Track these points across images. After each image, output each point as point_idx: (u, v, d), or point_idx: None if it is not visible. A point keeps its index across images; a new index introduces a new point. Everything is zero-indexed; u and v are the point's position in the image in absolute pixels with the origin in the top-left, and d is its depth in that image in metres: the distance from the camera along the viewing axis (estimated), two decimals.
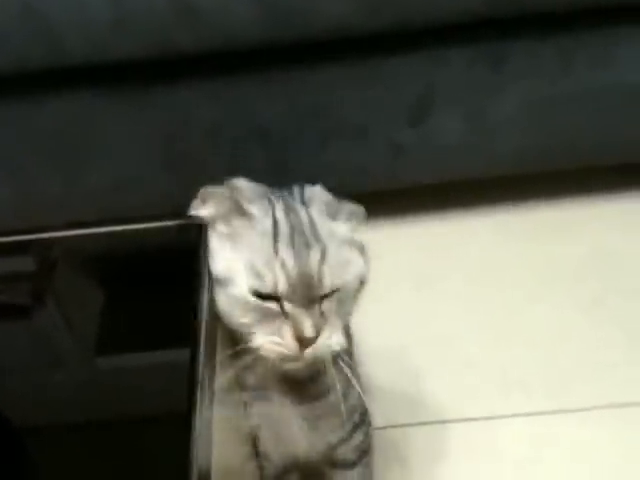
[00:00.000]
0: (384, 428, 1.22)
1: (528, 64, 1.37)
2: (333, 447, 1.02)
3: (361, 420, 1.02)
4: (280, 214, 0.86)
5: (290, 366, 0.85)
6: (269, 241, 0.84)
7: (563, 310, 1.43)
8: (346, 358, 0.95)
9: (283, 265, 0.82)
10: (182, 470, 0.68)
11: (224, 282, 0.84)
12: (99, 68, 1.25)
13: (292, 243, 0.84)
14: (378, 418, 1.11)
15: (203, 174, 1.37)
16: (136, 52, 1.22)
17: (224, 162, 1.42)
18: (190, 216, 0.88)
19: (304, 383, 0.93)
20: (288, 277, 0.82)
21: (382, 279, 1.45)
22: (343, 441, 1.01)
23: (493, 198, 1.62)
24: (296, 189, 0.91)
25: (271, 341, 0.82)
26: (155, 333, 0.82)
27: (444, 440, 1.26)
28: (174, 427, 0.73)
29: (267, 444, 1.03)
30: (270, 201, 0.87)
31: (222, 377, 0.85)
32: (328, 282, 0.84)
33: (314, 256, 0.84)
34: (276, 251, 0.83)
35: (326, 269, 0.84)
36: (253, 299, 0.82)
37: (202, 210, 0.89)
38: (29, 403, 0.77)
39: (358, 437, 1.03)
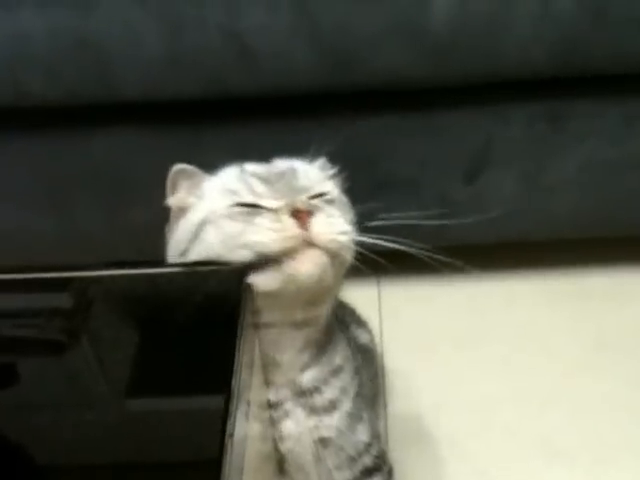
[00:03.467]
0: None
1: (590, 125, 1.35)
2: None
3: (375, 466, 0.99)
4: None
5: (306, 262, 0.81)
6: (237, 170, 0.90)
7: (610, 381, 1.40)
8: (354, 381, 0.97)
9: (254, 174, 0.87)
10: None
11: (204, 220, 0.86)
12: (149, 105, 1.25)
13: (262, 167, 0.90)
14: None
15: None
16: (189, 91, 1.23)
17: None
18: (229, 264, 0.86)
19: (310, 391, 0.92)
20: (261, 179, 0.85)
21: (424, 338, 1.47)
22: None
23: (543, 261, 1.61)
24: None
25: (270, 229, 0.80)
26: (188, 378, 0.80)
27: None
28: (202, 476, 0.70)
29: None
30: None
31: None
32: (304, 180, 0.87)
33: (283, 166, 0.90)
34: (244, 171, 0.88)
35: (299, 174, 0.88)
36: (237, 208, 0.84)
37: (176, 193, 0.94)
38: (57, 441, 0.75)
39: None
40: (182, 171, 0.94)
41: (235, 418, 0.74)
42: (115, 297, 0.91)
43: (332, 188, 0.92)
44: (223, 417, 0.73)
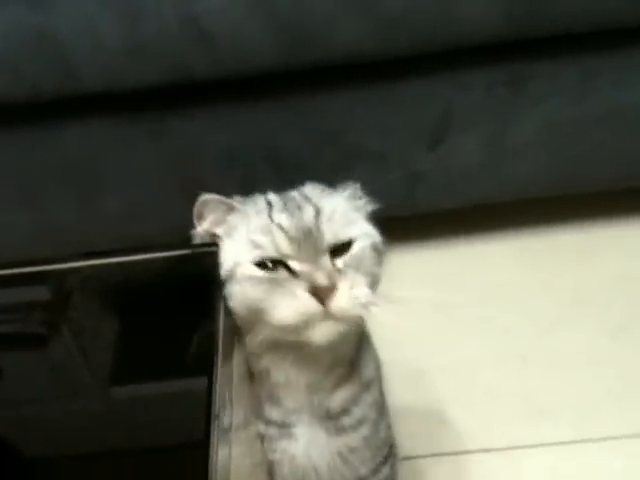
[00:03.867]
0: (406, 459, 1.20)
1: (549, 86, 1.36)
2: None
3: (389, 452, 1.00)
4: (272, 196, 0.91)
5: (320, 332, 0.80)
6: (264, 214, 0.87)
7: (587, 336, 1.42)
8: (380, 386, 0.96)
9: (280, 227, 0.83)
10: None
11: (232, 272, 0.84)
12: (114, 96, 1.26)
13: (285, 209, 0.86)
14: (399, 449, 1.10)
15: None
16: (150, 79, 1.22)
17: (238, 188, 1.40)
18: (204, 244, 0.88)
19: (338, 414, 0.91)
20: (287, 236, 0.82)
21: (400, 305, 1.48)
22: (372, 474, 0.98)
23: (514, 223, 1.62)
24: None
25: (288, 306, 0.79)
26: (171, 362, 0.81)
27: (466, 471, 1.24)
28: (190, 458, 0.72)
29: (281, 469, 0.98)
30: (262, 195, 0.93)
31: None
32: (329, 233, 0.84)
33: (308, 212, 0.85)
34: (271, 218, 0.85)
35: (324, 222, 0.84)
36: (261, 272, 0.82)
37: (202, 223, 0.92)
38: (43, 433, 0.77)
39: (386, 470, 1.00)
40: (206, 202, 0.93)
41: (219, 399, 0.75)
42: (93, 286, 0.91)
43: (360, 230, 0.89)
44: (207, 399, 0.74)
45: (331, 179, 1.39)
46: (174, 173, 1.40)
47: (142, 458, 0.74)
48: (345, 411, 0.92)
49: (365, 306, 0.81)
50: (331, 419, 0.91)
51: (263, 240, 0.83)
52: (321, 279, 0.79)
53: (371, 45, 1.23)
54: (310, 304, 0.79)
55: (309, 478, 0.96)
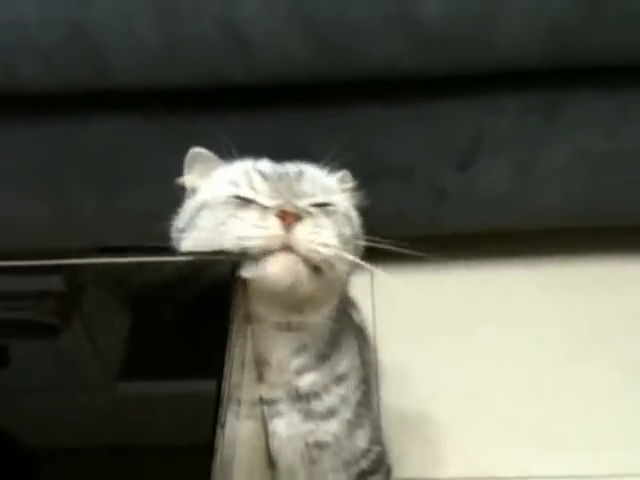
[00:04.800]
0: None
1: (583, 116, 1.36)
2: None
3: (372, 469, 0.99)
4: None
5: (280, 263, 0.80)
6: (247, 163, 0.91)
7: (604, 370, 1.42)
8: (360, 389, 0.97)
9: (259, 172, 0.87)
10: None
11: (203, 202, 0.88)
12: (143, 93, 1.26)
13: (270, 165, 0.91)
14: (404, 470, 1.10)
15: None
16: (182, 80, 1.23)
17: None
18: (222, 252, 0.86)
19: (308, 396, 0.92)
20: (265, 180, 0.86)
21: (417, 327, 1.48)
22: None
23: (537, 250, 1.62)
24: None
25: (252, 225, 0.80)
26: (180, 363, 0.81)
27: None
28: (195, 458, 0.71)
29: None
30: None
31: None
32: (307, 189, 0.86)
33: (291, 170, 0.90)
34: (254, 168, 0.89)
35: (304, 180, 0.87)
36: (231, 196, 0.85)
37: (190, 174, 0.97)
38: (47, 423, 0.76)
39: None
40: (198, 154, 0.97)
41: (226, 406, 0.75)
42: (107, 281, 0.91)
43: (341, 201, 0.90)
44: (215, 404, 0.74)
45: (360, 192, 1.42)
46: None
47: (145, 456, 0.74)
48: (315, 395, 0.92)
49: (326, 246, 0.81)
50: (301, 400, 0.92)
51: (240, 179, 0.86)
52: (289, 207, 0.81)
53: (408, 63, 1.23)
54: (273, 225, 0.79)
55: (290, 461, 0.96)
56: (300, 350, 0.91)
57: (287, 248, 0.80)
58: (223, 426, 0.73)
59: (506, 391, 1.39)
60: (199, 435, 0.72)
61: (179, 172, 1.38)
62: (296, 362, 0.91)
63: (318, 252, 0.80)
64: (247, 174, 0.87)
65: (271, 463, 0.99)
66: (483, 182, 1.43)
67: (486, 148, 1.38)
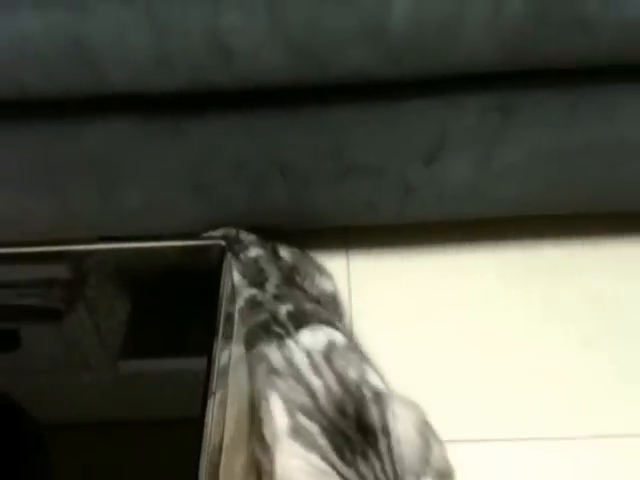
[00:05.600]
0: None
1: (536, 114, 1.40)
2: None
3: None
4: None
5: None
6: None
7: (556, 348, 1.48)
8: None
9: None
10: (192, 471, 0.73)
11: None
12: (138, 98, 1.30)
13: None
14: None
15: (227, 202, 1.50)
16: (172, 86, 1.27)
17: (247, 192, 1.48)
18: (211, 237, 0.94)
19: None
20: None
21: (385, 310, 1.54)
22: None
23: (495, 237, 1.67)
24: (378, 428, 0.94)
25: None
26: (174, 342, 0.86)
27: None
28: (186, 431, 0.76)
29: None
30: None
31: None
32: None
33: None
34: None
35: None
36: None
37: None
38: (56, 402, 0.81)
39: None
40: None
41: (217, 375, 0.81)
42: (108, 269, 0.97)
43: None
44: (206, 378, 0.80)
45: (332, 188, 1.49)
46: (189, 174, 1.45)
47: (143, 429, 0.79)
48: None
49: None
50: None
51: None
52: None
53: (378, 69, 1.27)
54: None
55: None
56: None
57: None
58: (214, 394, 0.79)
59: (472, 370, 1.45)
60: (191, 407, 0.78)
61: (172, 172, 1.45)
62: None
63: None
64: None
65: None
66: (446, 176, 1.48)
67: (449, 145, 1.43)
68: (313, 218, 1.56)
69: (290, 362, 1.07)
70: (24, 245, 0.97)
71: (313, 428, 0.98)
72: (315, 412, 0.99)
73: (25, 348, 0.86)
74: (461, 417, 1.36)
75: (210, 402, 0.78)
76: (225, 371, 0.87)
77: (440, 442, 0.97)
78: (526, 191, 1.53)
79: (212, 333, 0.85)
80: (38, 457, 0.77)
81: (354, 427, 0.97)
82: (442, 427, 1.27)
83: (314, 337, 1.09)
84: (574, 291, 1.59)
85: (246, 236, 1.37)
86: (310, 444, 0.97)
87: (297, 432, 0.98)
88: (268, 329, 1.13)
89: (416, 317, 1.54)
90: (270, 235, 1.49)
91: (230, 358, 0.90)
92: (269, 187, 1.47)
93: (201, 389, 0.79)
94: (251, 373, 1.06)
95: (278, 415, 0.99)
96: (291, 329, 1.13)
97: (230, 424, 0.87)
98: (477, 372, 1.45)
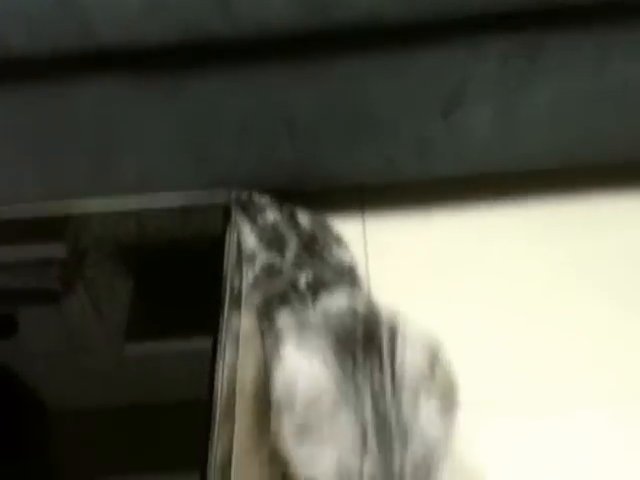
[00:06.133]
0: None
1: (565, 57, 1.36)
2: None
3: None
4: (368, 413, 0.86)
5: None
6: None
7: (586, 308, 1.44)
8: None
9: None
10: (202, 451, 0.71)
11: None
12: (131, 54, 1.26)
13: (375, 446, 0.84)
14: None
15: (232, 165, 1.45)
16: (167, 37, 1.23)
17: (253, 154, 1.44)
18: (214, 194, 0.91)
19: None
20: None
21: (408, 268, 1.50)
22: None
23: (522, 192, 1.63)
24: (385, 348, 0.90)
25: None
26: (179, 321, 0.84)
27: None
28: (195, 412, 0.75)
29: None
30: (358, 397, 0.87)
31: None
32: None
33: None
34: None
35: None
36: None
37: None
38: (57, 385, 0.79)
39: None
40: None
41: (224, 358, 0.78)
42: (108, 244, 0.95)
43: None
44: (212, 357, 0.78)
45: (345, 146, 1.43)
46: (190, 137, 1.41)
47: (150, 411, 0.77)
48: None
49: None
50: None
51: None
52: None
53: (387, 10, 1.23)
54: None
55: None
56: None
57: None
58: (223, 372, 0.76)
59: (494, 330, 1.41)
60: (200, 388, 0.76)
61: (171, 135, 1.41)
62: None
63: None
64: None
65: None
66: (467, 128, 1.43)
67: (469, 94, 1.38)
68: (325, 179, 1.52)
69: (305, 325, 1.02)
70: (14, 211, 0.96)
71: (319, 341, 0.94)
72: (323, 329, 0.94)
73: (23, 332, 0.85)
74: (487, 381, 1.32)
75: (219, 381, 0.77)
76: (234, 346, 0.84)
77: (448, 368, 0.94)
78: (553, 140, 1.48)
79: (217, 307, 0.83)
80: (42, 442, 0.76)
81: (361, 345, 0.93)
82: (466, 390, 1.27)
83: (334, 303, 1.03)
84: (604, 247, 1.54)
85: (260, 199, 1.31)
86: (314, 351, 0.92)
87: (301, 346, 0.93)
88: (286, 299, 1.08)
89: (437, 282, 1.50)
90: (279, 199, 1.41)
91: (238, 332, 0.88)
92: (276, 147, 1.43)
93: (208, 368, 0.77)
94: (264, 346, 1.01)
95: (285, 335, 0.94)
96: (310, 300, 1.08)
97: (243, 404, 0.84)
98: (504, 335, 1.41)
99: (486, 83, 1.38)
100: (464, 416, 1.24)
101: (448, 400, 0.90)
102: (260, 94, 1.35)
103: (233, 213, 0.93)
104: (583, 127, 1.47)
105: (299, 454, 0.86)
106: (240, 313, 0.89)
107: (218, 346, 0.79)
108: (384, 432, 0.85)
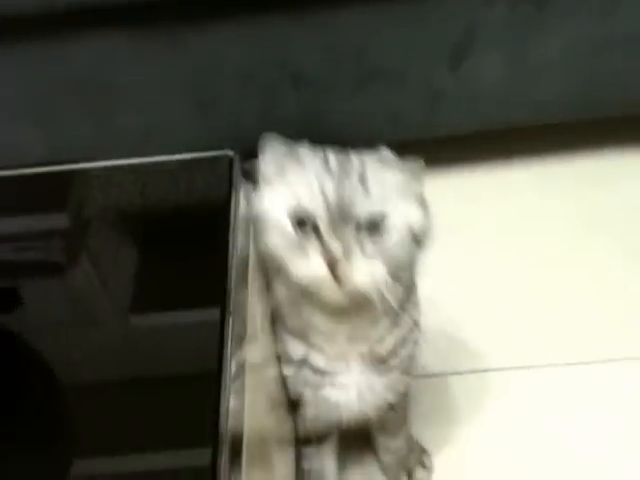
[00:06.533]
0: (423, 377, 1.24)
1: (574, 3, 1.33)
2: (389, 407, 1.03)
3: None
4: (331, 157, 0.87)
5: (332, 297, 0.83)
6: (315, 171, 0.85)
7: (600, 262, 1.44)
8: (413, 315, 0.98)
9: (322, 190, 0.82)
10: (212, 423, 0.69)
11: (266, 215, 0.85)
12: (129, 7, 1.24)
13: (336, 175, 0.84)
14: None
15: (235, 120, 1.41)
16: None
17: (256, 107, 1.42)
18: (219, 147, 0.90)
19: (388, 357, 0.95)
20: (325, 199, 0.82)
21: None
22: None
23: (533, 148, 1.62)
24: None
25: (303, 266, 0.82)
26: (185, 291, 0.82)
27: (480, 389, 1.28)
28: (205, 384, 0.73)
29: (311, 410, 1.02)
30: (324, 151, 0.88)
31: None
32: (365, 210, 0.82)
33: (354, 182, 0.83)
34: (319, 179, 0.83)
35: (363, 194, 0.83)
36: (290, 229, 0.83)
37: (264, 164, 0.89)
38: (62, 359, 0.77)
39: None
40: (271, 146, 0.90)
41: (232, 325, 0.76)
42: (111, 213, 0.93)
43: (400, 215, 0.86)
44: (220, 328, 0.76)
45: (351, 98, 1.40)
46: (191, 90, 1.39)
47: (159, 383, 0.76)
48: (393, 353, 0.95)
49: (375, 289, 0.83)
50: (381, 363, 0.95)
51: (303, 193, 0.83)
52: (335, 249, 0.80)
53: None
54: (320, 271, 0.81)
55: (338, 407, 0.99)
56: (376, 321, 0.92)
57: (337, 284, 0.82)
58: (231, 341, 0.75)
59: (507, 287, 1.41)
60: (209, 360, 0.74)
61: (172, 89, 1.38)
62: (375, 332, 0.93)
63: (366, 292, 0.83)
64: (311, 189, 0.84)
65: (291, 405, 1.03)
66: (477, 77, 1.41)
67: (478, 43, 1.36)
68: (331, 133, 1.47)
69: None
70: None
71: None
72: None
73: (27, 305, 0.83)
74: (504, 338, 1.33)
75: (227, 352, 0.75)
76: (242, 318, 0.82)
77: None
78: (565, 90, 1.46)
79: (224, 279, 0.81)
80: (47, 415, 0.74)
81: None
82: (483, 349, 1.31)
83: None
84: (616, 201, 1.53)
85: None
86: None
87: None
88: None
89: (449, 239, 1.45)
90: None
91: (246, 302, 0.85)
92: (280, 100, 1.40)
93: (217, 341, 0.75)
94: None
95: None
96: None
97: (255, 379, 0.82)
98: (519, 290, 1.41)
99: (495, 29, 1.36)
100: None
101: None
102: (262, 45, 1.33)
103: (236, 173, 0.91)
104: (594, 74, 1.44)
105: None
106: (247, 281, 0.86)
107: (226, 316, 0.77)
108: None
